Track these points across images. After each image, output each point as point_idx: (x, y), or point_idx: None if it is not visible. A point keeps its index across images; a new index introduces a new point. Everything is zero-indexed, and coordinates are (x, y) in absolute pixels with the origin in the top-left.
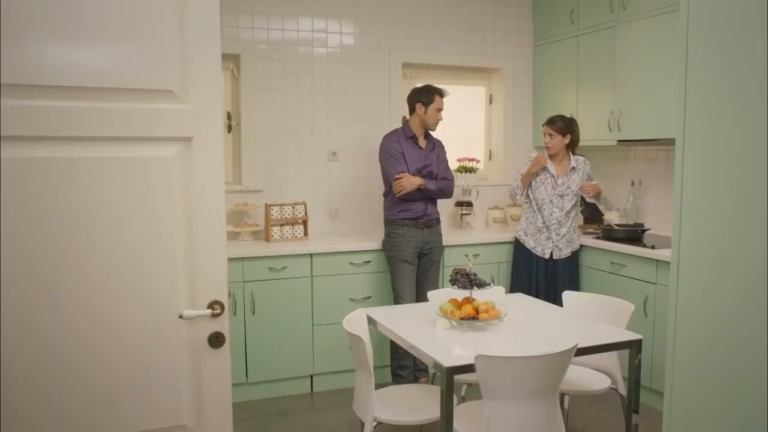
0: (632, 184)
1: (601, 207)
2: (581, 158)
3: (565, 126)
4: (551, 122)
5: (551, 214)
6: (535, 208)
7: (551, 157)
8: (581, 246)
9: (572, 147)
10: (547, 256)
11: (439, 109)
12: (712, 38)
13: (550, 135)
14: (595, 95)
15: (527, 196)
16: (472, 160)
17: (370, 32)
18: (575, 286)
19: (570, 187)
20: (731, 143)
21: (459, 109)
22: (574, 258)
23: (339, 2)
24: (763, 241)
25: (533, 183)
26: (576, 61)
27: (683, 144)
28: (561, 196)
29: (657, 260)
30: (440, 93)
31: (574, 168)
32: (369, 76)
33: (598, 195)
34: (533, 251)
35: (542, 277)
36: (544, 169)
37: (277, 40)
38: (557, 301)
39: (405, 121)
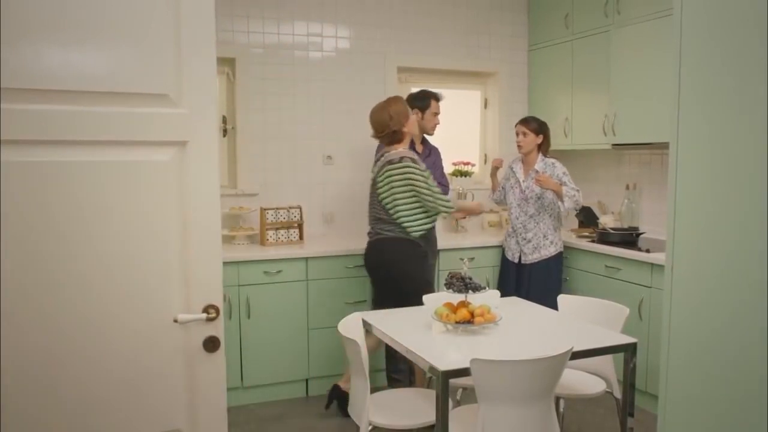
0: (627, 187)
1: (562, 207)
2: (551, 160)
3: (538, 126)
4: (525, 121)
5: (517, 218)
6: (509, 213)
7: (523, 159)
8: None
9: (544, 150)
10: (516, 261)
11: (436, 113)
12: (706, 42)
13: (524, 133)
14: (589, 99)
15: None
16: (468, 163)
17: (365, 36)
18: (548, 294)
19: (534, 190)
20: (725, 147)
21: (454, 113)
22: (546, 264)
23: (334, 6)
24: (757, 244)
25: (506, 187)
26: (571, 65)
27: (677, 148)
28: (526, 199)
29: (652, 264)
30: (436, 97)
31: (537, 171)
32: (364, 80)
33: (559, 193)
34: (506, 255)
35: (513, 281)
36: (513, 173)
37: (273, 44)
38: None
39: None
